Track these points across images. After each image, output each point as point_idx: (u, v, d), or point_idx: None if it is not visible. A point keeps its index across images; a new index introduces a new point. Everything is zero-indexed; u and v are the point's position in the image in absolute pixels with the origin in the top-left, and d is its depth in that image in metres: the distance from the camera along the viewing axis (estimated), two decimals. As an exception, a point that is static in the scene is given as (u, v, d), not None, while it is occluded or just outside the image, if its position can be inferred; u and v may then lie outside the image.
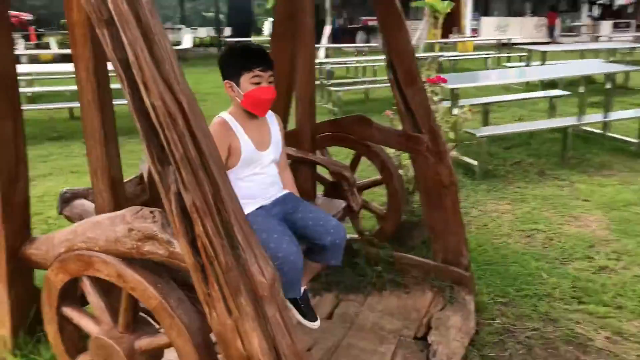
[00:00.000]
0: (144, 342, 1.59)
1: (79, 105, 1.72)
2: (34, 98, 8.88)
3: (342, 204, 2.82)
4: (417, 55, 2.97)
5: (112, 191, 1.68)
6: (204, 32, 21.49)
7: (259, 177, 2.29)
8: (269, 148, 2.31)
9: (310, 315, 2.34)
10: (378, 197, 3.85)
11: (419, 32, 16.08)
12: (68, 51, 13.65)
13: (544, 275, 3.11)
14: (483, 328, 2.61)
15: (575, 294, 2.91)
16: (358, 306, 2.68)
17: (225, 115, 2.24)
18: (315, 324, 2.34)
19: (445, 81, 3.22)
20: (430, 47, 13.87)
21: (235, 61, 2.19)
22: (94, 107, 1.63)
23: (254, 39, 22.38)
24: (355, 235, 3.08)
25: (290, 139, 2.77)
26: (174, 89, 1.24)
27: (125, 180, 2.16)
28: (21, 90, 6.74)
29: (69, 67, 8.71)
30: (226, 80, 2.21)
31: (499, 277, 3.07)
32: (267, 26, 25.79)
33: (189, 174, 1.25)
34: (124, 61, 1.25)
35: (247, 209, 2.19)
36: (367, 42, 19.56)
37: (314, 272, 2.47)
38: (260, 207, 2.26)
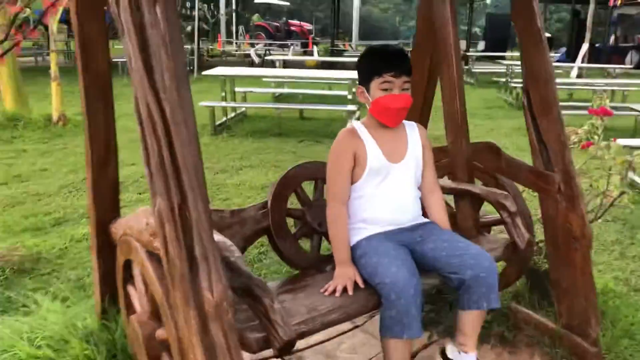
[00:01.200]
0: (160, 332, 1.71)
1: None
2: (280, 98, 10.01)
3: (502, 240, 2.38)
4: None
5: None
6: (456, 45, 21.29)
7: (386, 197, 2.06)
8: (404, 160, 2.09)
9: None
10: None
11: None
12: (330, 58, 15.23)
13: None
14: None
15: None
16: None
17: (356, 123, 2.17)
18: None
19: (611, 114, 2.64)
20: None
21: (367, 65, 2.08)
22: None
23: (511, 54, 21.49)
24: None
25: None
26: (159, 97, 1.31)
27: (249, 205, 2.31)
28: (270, 90, 7.74)
29: (305, 72, 9.63)
30: (359, 86, 2.11)
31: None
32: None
33: (159, 180, 1.32)
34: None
35: (365, 233, 2.06)
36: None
37: (471, 325, 2.02)
38: (379, 233, 2.05)
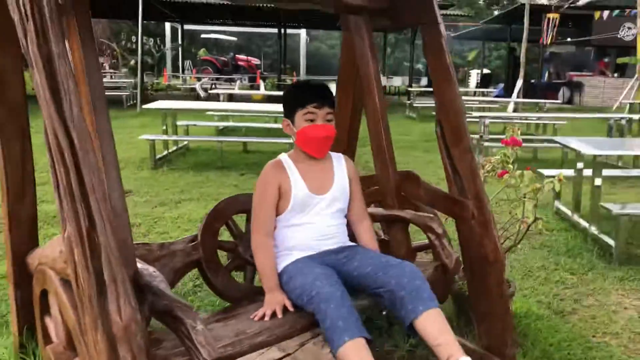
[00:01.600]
0: (76, 360, 1.68)
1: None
2: (224, 131, 10.02)
3: (432, 263, 2.50)
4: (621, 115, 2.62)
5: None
6: (399, 81, 22.11)
7: (311, 226, 2.12)
8: (329, 192, 2.16)
9: None
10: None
11: (627, 91, 14.33)
12: (276, 93, 15.44)
13: (632, 392, 2.49)
14: None
15: None
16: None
17: (282, 156, 2.23)
18: None
19: (520, 144, 2.84)
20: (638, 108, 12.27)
21: (292, 98, 2.19)
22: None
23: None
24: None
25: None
26: (67, 126, 1.34)
27: (178, 239, 2.34)
28: (213, 123, 7.66)
29: (249, 106, 9.71)
30: (284, 118, 2.20)
31: (569, 383, 2.55)
32: (472, 77, 25.58)
33: (68, 206, 1.34)
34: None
35: (290, 258, 2.11)
36: (570, 98, 18.08)
37: (434, 330, 1.93)
38: (305, 257, 2.11)
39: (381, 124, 2.56)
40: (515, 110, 13.67)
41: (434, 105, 11.74)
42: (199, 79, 19.59)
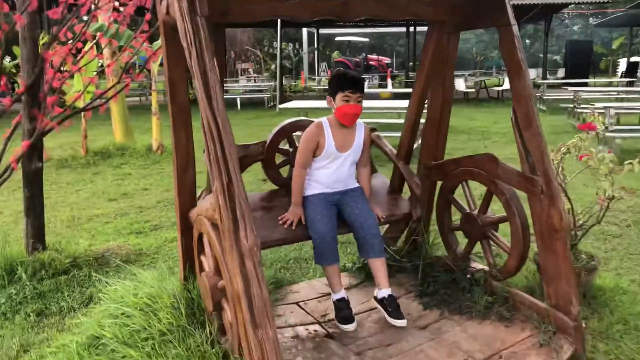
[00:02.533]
0: (220, 283, 2.41)
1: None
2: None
3: (404, 209, 3.36)
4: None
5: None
6: (533, 74, 21.19)
7: (332, 170, 3.01)
8: (348, 151, 3.01)
9: (395, 314, 2.84)
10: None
11: None
12: (402, 90, 15.95)
13: (703, 358, 2.67)
14: (570, 380, 2.52)
15: None
16: (454, 326, 2.92)
17: (323, 119, 3.04)
18: (400, 322, 2.84)
19: (594, 128, 3.05)
20: None
21: (335, 83, 2.97)
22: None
23: (594, 80, 20.99)
24: (485, 267, 3.24)
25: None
26: (215, 116, 2.04)
27: (254, 142, 3.40)
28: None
29: (374, 103, 10.28)
30: (328, 96, 2.99)
31: (638, 343, 2.78)
32: (621, 66, 23.72)
33: (216, 168, 2.03)
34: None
35: (312, 190, 3.04)
36: None
37: (375, 269, 2.96)
38: (322, 193, 3.02)
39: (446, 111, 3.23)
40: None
41: (565, 97, 11.45)
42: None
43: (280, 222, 2.99)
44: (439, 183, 3.50)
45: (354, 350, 2.74)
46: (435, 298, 3.17)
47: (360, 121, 3.08)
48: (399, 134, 7.23)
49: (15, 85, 14.64)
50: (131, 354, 2.39)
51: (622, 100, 11.92)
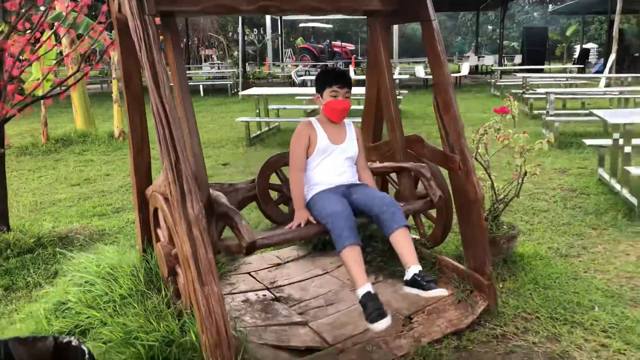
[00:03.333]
0: (173, 251, 2.71)
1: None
2: (311, 114, 11.06)
3: (423, 200, 3.25)
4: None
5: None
6: (491, 60, 21.90)
7: (328, 166, 2.93)
8: (342, 144, 2.98)
9: (430, 286, 2.54)
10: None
11: None
12: (363, 77, 16.34)
13: (595, 308, 3.10)
14: (482, 329, 2.92)
15: (610, 334, 2.86)
16: (387, 288, 3.29)
17: (312, 118, 3.08)
18: (437, 292, 2.54)
19: (507, 112, 3.46)
20: None
21: (322, 79, 3.04)
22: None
23: (549, 67, 21.78)
24: (416, 236, 3.63)
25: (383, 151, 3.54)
26: (163, 102, 2.33)
27: (241, 182, 3.37)
28: (302, 107, 8.75)
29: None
30: (316, 93, 3.06)
31: (545, 299, 3.20)
32: (576, 54, 24.61)
33: (164, 148, 2.33)
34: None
35: (316, 190, 2.90)
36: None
37: (400, 244, 2.66)
38: (327, 189, 2.91)
39: (391, 99, 3.37)
40: (607, 85, 13.34)
41: (519, 83, 11.93)
42: (297, 67, 20.85)
43: (288, 228, 2.82)
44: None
45: (297, 310, 3.10)
46: (373, 265, 3.55)
47: (347, 120, 3.12)
48: (358, 119, 7.62)
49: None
50: (95, 314, 2.68)
51: (571, 86, 12.56)
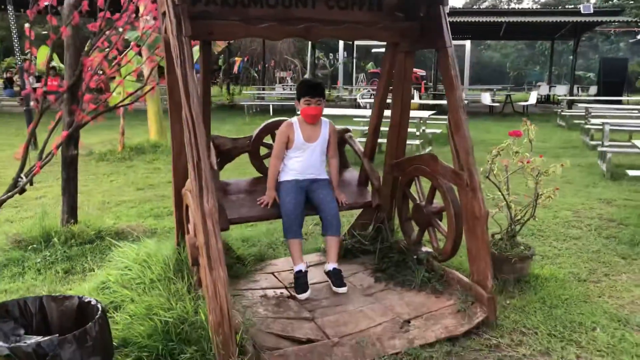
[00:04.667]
0: (197, 241, 3.09)
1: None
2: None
3: (366, 198, 4.06)
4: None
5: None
6: (563, 90, 21.27)
7: (302, 159, 3.68)
8: (315, 143, 3.68)
9: (337, 283, 3.55)
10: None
11: None
12: (428, 101, 16.51)
13: (596, 329, 3.17)
14: (477, 339, 3.07)
15: (604, 354, 2.93)
16: (394, 294, 3.51)
17: (293, 118, 3.74)
18: (341, 289, 3.51)
19: (520, 135, 3.58)
20: None
21: (299, 89, 3.73)
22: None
23: (628, 99, 20.90)
24: (429, 249, 3.82)
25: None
26: (191, 109, 2.73)
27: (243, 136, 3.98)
28: (359, 128, 9.23)
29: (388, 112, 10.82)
30: (296, 100, 3.71)
31: (548, 317, 3.29)
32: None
33: (189, 150, 2.72)
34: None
35: (286, 177, 3.72)
36: None
37: (328, 245, 3.66)
38: (294, 179, 3.68)
39: (404, 119, 3.71)
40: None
41: (583, 113, 11.63)
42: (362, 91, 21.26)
43: (258, 203, 3.71)
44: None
45: (308, 308, 3.38)
46: (386, 273, 3.78)
47: (324, 119, 3.77)
48: (415, 142, 8.02)
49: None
50: (127, 293, 3.11)
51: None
